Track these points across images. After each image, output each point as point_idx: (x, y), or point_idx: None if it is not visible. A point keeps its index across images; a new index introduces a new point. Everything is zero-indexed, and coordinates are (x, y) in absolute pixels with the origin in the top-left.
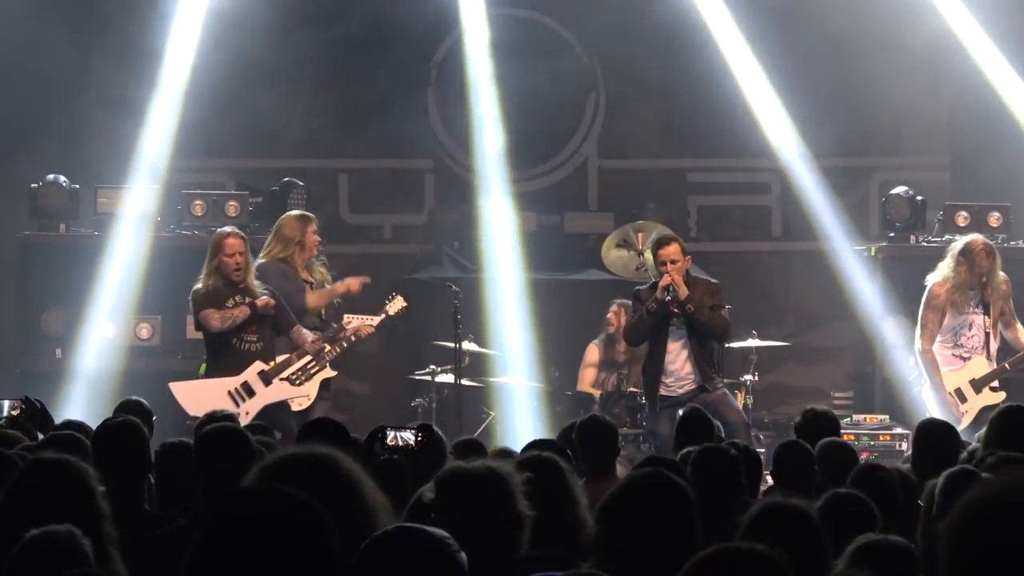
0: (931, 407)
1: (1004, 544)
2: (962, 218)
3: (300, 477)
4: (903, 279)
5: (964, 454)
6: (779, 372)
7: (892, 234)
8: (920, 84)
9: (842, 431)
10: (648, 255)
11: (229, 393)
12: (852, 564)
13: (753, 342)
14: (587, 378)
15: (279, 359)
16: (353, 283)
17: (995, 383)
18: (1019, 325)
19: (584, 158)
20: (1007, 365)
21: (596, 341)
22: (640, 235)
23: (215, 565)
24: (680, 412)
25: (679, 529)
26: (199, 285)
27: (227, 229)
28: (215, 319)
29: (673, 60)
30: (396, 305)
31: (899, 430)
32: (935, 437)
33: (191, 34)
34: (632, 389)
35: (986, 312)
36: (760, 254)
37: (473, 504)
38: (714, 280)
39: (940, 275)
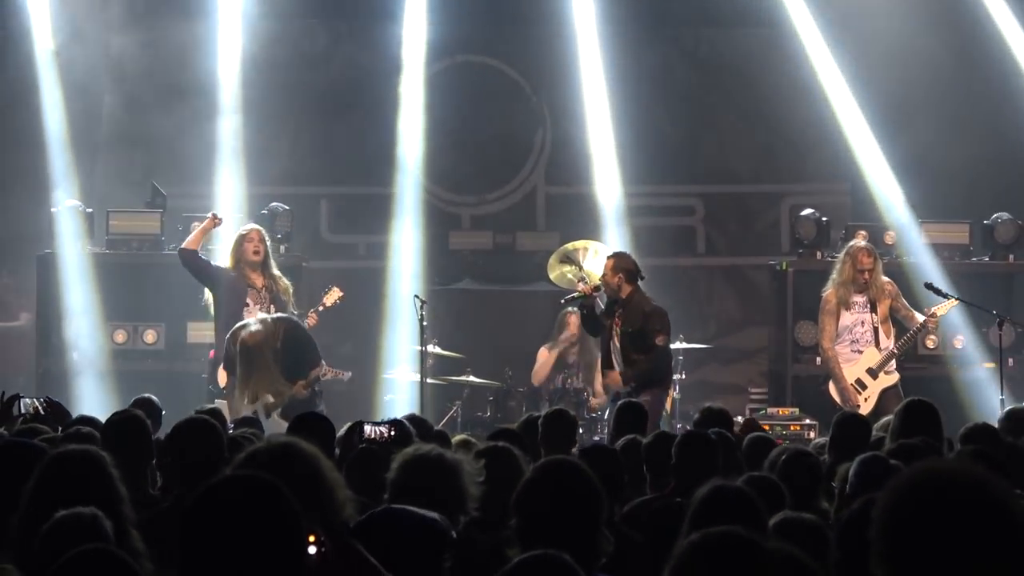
0: (836, 399)
1: (927, 522)
2: (861, 236)
3: (268, 463)
4: (810, 289)
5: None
6: (703, 371)
7: (800, 250)
8: (826, 120)
9: (760, 422)
10: (588, 270)
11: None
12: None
13: (680, 344)
14: (541, 374)
15: (276, 400)
16: None
17: (889, 367)
18: (916, 314)
19: (533, 185)
20: (894, 349)
21: (548, 344)
22: (580, 251)
23: (195, 547)
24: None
25: (582, 508)
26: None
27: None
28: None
29: (610, 99)
30: (332, 296)
31: (808, 421)
32: (850, 427)
33: (190, 79)
34: (577, 386)
35: (873, 311)
36: (686, 268)
37: (420, 481)
38: (653, 309)
39: (831, 284)
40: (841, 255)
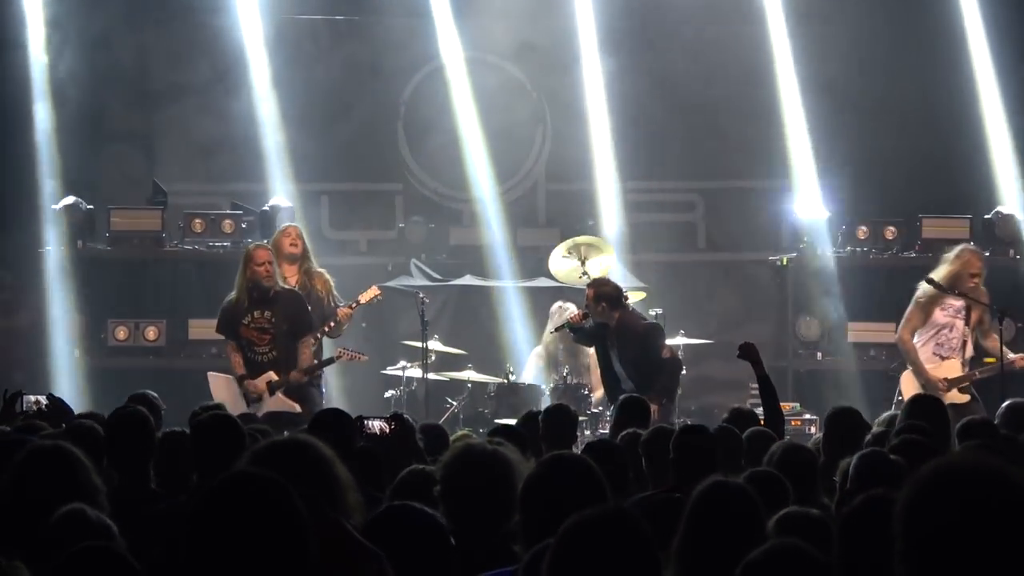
0: (907, 390)
1: (950, 517)
2: (861, 232)
3: (281, 460)
4: (810, 284)
5: (869, 436)
6: (704, 366)
7: (801, 245)
8: (827, 116)
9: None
10: (589, 265)
11: (245, 395)
12: (778, 533)
13: (681, 340)
14: (529, 373)
15: (281, 378)
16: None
17: (964, 385)
18: (995, 335)
19: (534, 181)
20: (977, 373)
21: (539, 347)
22: (582, 248)
23: (200, 542)
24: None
25: (586, 503)
26: (229, 296)
27: (255, 243)
28: (230, 358)
29: (608, 98)
30: (369, 294)
31: (808, 416)
32: (842, 421)
33: (192, 77)
34: (579, 381)
35: (967, 320)
36: (687, 263)
37: (479, 482)
38: (646, 329)
39: (937, 275)
40: (951, 256)
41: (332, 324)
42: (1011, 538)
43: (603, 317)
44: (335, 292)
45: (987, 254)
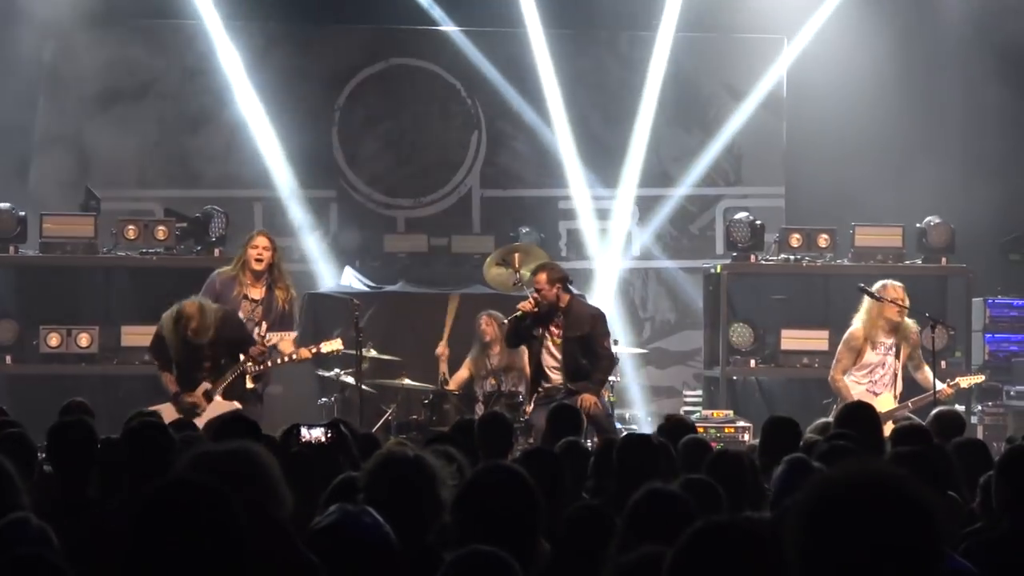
0: None
1: (840, 523)
2: (795, 240)
3: (224, 465)
4: (744, 292)
5: (801, 444)
6: (638, 374)
7: (735, 253)
8: (761, 125)
9: (696, 424)
10: (524, 272)
11: (182, 411)
12: None
13: (615, 348)
14: (458, 379)
15: (215, 384)
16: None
17: (897, 416)
18: (927, 368)
19: (469, 188)
20: (910, 404)
21: (472, 353)
22: (517, 255)
23: (140, 550)
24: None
25: (519, 514)
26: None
27: (188, 301)
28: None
29: (543, 103)
30: (331, 346)
31: (741, 423)
32: (779, 430)
33: (125, 83)
34: (512, 388)
35: (897, 356)
36: (621, 271)
37: (401, 487)
38: (597, 313)
39: (858, 321)
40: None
41: (286, 358)
42: (901, 545)
43: (555, 299)
44: (295, 306)
45: (919, 262)
